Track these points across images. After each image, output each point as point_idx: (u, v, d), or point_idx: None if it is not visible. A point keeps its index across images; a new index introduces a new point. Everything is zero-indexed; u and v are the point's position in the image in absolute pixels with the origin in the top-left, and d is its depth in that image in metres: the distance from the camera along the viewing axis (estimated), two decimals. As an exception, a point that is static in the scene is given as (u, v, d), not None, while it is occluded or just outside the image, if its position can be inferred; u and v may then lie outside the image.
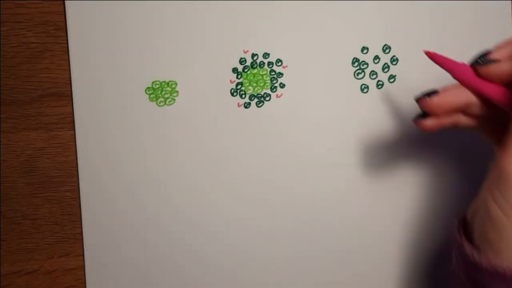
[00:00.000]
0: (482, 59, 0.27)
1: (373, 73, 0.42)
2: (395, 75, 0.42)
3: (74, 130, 0.41)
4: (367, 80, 0.42)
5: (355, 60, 0.41)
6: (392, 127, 0.42)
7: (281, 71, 0.41)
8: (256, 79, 0.41)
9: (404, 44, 0.41)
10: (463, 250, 0.29)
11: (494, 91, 0.27)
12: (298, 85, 0.41)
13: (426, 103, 0.29)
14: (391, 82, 0.42)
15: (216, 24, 0.41)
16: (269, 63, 0.41)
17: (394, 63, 0.41)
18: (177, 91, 0.41)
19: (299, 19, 0.41)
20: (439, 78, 0.42)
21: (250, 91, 0.41)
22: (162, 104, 0.41)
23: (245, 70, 0.41)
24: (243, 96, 0.41)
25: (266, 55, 0.41)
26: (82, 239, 0.42)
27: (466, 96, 0.29)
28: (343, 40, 0.41)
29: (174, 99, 0.41)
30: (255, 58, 0.41)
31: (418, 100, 0.30)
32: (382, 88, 0.42)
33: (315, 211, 0.42)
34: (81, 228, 0.42)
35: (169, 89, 0.41)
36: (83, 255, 0.42)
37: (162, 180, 0.42)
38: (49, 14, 0.40)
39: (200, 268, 0.43)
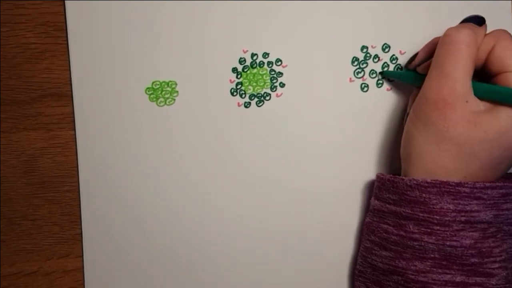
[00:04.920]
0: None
1: (373, 72, 0.42)
2: (395, 74, 0.42)
3: (74, 130, 0.41)
4: (367, 79, 0.42)
5: (355, 59, 0.41)
6: (393, 126, 0.42)
7: (281, 71, 0.41)
8: (256, 79, 0.41)
9: (404, 43, 0.41)
10: (392, 181, 0.36)
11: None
12: (298, 84, 0.41)
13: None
14: (391, 81, 0.42)
15: (215, 24, 0.41)
16: (269, 63, 0.41)
17: (393, 62, 0.41)
18: (177, 91, 0.41)
19: (299, 18, 0.41)
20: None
21: (250, 90, 0.41)
22: (162, 104, 0.41)
23: (245, 70, 0.41)
24: (243, 95, 0.41)
25: (265, 54, 0.41)
26: (81, 240, 0.42)
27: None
28: (343, 39, 0.41)
29: (174, 99, 0.41)
30: (254, 57, 0.41)
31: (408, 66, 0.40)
32: (382, 87, 0.42)
33: (316, 210, 0.42)
34: (81, 229, 0.42)
35: (169, 89, 0.41)
36: (82, 256, 0.42)
37: (163, 180, 0.42)
38: (49, 14, 0.40)
39: (202, 270, 0.42)
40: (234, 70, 0.41)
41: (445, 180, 0.33)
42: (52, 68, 0.41)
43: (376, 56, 0.41)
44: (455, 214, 0.33)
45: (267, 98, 0.42)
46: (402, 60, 0.42)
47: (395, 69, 0.41)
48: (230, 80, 0.41)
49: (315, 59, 0.41)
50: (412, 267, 0.34)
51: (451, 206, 0.33)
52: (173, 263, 0.42)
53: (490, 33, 0.35)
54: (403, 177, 0.35)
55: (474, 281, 0.33)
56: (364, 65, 0.41)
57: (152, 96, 0.41)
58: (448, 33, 0.34)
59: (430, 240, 0.33)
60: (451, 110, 0.32)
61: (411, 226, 0.34)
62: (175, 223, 0.42)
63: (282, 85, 0.41)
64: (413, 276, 0.34)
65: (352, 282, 0.42)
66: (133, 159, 0.41)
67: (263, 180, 0.42)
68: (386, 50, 0.41)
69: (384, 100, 0.42)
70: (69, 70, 0.41)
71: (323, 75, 0.41)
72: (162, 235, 0.42)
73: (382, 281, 0.36)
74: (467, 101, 0.33)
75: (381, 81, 0.42)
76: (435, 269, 0.33)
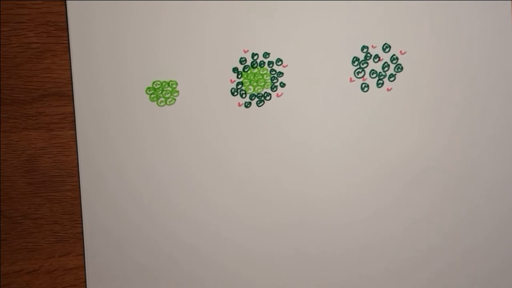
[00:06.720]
0: None
1: (373, 72, 0.42)
2: (395, 74, 0.42)
3: (75, 129, 0.41)
4: (367, 79, 0.42)
5: (355, 59, 0.41)
6: (393, 126, 0.42)
7: (281, 70, 0.41)
8: (256, 79, 0.41)
9: (404, 42, 0.41)
10: None
11: None
12: (299, 84, 0.42)
13: None
14: (391, 81, 0.42)
15: (216, 24, 0.41)
16: (269, 63, 0.41)
17: (394, 62, 0.41)
18: (177, 91, 0.41)
19: (299, 18, 0.41)
20: (440, 76, 0.42)
21: (250, 90, 0.41)
22: (162, 104, 0.41)
23: (246, 70, 0.41)
24: (244, 95, 0.42)
25: (266, 54, 0.41)
26: (82, 238, 0.42)
27: None
28: (343, 39, 0.41)
29: (175, 99, 0.41)
30: (255, 57, 0.41)
31: None
32: (382, 87, 0.42)
33: (315, 210, 0.42)
34: (82, 227, 0.42)
35: (169, 89, 0.41)
36: (83, 254, 0.42)
37: (163, 179, 0.42)
38: (50, 14, 0.40)
39: (202, 267, 0.43)
40: (235, 70, 0.41)
41: None
42: (53, 68, 0.41)
43: (376, 56, 0.41)
44: None
45: (268, 98, 0.42)
46: (403, 60, 0.42)
47: (395, 70, 0.42)
48: (231, 80, 0.41)
49: (315, 59, 0.41)
50: None
51: None
52: (173, 259, 0.42)
53: None
54: None
55: None
56: (365, 65, 0.42)
57: (152, 96, 0.41)
58: None
59: None
60: None
61: None
62: (175, 222, 0.42)
63: (283, 85, 0.42)
64: None
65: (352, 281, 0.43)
66: (134, 159, 0.42)
67: (263, 179, 0.42)
68: (387, 50, 0.41)
69: (384, 100, 0.42)
70: (70, 69, 0.41)
71: (323, 75, 0.41)
72: (162, 233, 0.42)
73: None
74: None
75: (381, 81, 0.42)
76: None
